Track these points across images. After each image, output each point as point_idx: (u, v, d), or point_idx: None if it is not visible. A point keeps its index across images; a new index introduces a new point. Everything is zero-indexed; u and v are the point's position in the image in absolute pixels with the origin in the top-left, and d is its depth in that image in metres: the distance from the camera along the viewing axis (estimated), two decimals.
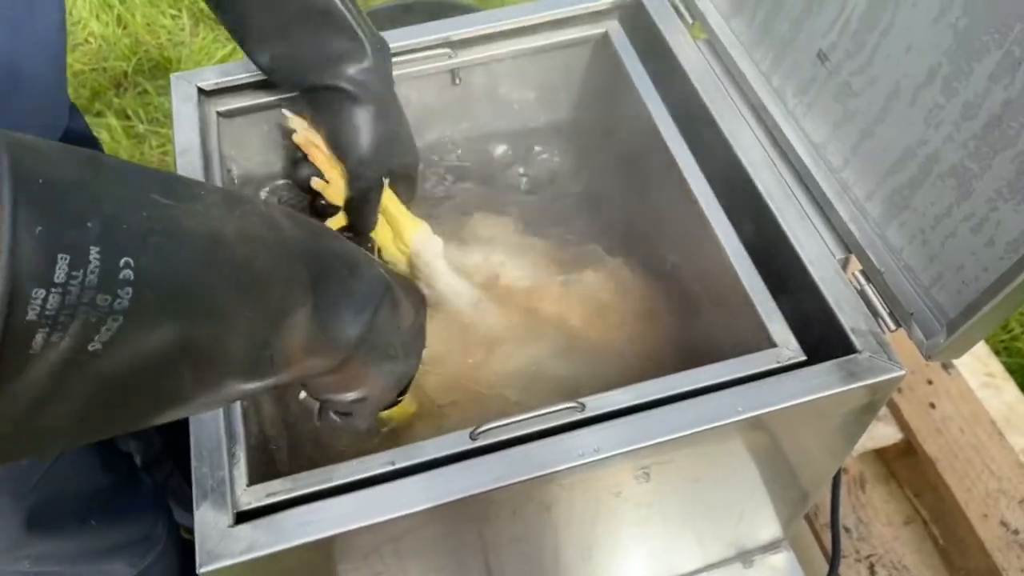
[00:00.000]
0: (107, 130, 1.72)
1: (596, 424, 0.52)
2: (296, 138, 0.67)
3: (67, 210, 0.27)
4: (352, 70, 0.63)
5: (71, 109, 0.70)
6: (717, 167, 0.65)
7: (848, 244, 0.59)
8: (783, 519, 0.73)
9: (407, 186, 0.70)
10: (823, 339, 0.56)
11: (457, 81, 0.77)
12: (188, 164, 0.65)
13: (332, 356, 0.41)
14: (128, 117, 1.75)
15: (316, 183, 0.67)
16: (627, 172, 0.76)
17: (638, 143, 0.72)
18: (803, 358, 0.55)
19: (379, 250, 0.70)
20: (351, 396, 0.46)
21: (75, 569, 0.73)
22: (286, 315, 0.37)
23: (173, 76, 0.70)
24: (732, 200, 0.63)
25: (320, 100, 0.64)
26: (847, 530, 1.03)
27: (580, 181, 0.78)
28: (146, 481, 0.81)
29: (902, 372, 0.52)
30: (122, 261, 0.28)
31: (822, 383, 0.52)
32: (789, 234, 0.59)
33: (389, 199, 0.67)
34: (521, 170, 0.81)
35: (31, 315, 0.25)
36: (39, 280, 0.25)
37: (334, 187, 0.66)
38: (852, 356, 0.54)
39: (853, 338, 0.54)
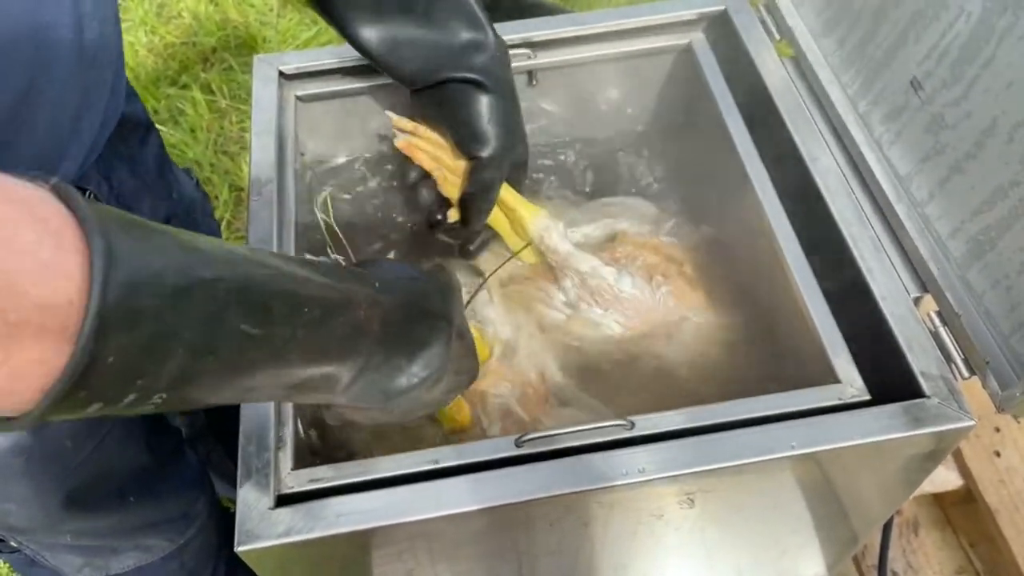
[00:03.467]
0: (191, 103, 1.76)
1: (645, 444, 0.51)
2: (399, 143, 0.66)
3: (119, 379, 0.30)
4: (481, 59, 0.60)
5: (132, 93, 0.72)
6: (793, 190, 0.63)
7: (925, 283, 0.57)
8: (828, 558, 0.71)
9: (520, 175, 0.68)
10: (890, 379, 0.54)
11: (534, 82, 0.76)
12: (263, 146, 0.66)
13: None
14: (212, 92, 1.80)
15: (436, 176, 0.66)
16: (699, 187, 0.74)
17: (713, 159, 0.70)
18: (867, 397, 0.52)
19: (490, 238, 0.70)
20: (342, 413, 0.47)
21: (114, 544, 0.75)
22: (311, 395, 0.41)
23: (256, 58, 0.72)
24: (806, 226, 0.61)
25: (446, 93, 0.61)
26: (895, 574, 1.00)
27: (649, 192, 0.77)
28: (190, 459, 0.81)
29: (972, 423, 0.50)
30: (156, 399, 0.32)
31: (885, 426, 0.50)
32: (863, 266, 0.57)
33: (505, 188, 0.66)
34: (590, 176, 0.80)
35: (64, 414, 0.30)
36: (68, 412, 0.29)
37: (448, 184, 0.65)
38: (919, 400, 0.51)
39: (922, 382, 0.52)
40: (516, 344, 0.65)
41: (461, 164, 0.64)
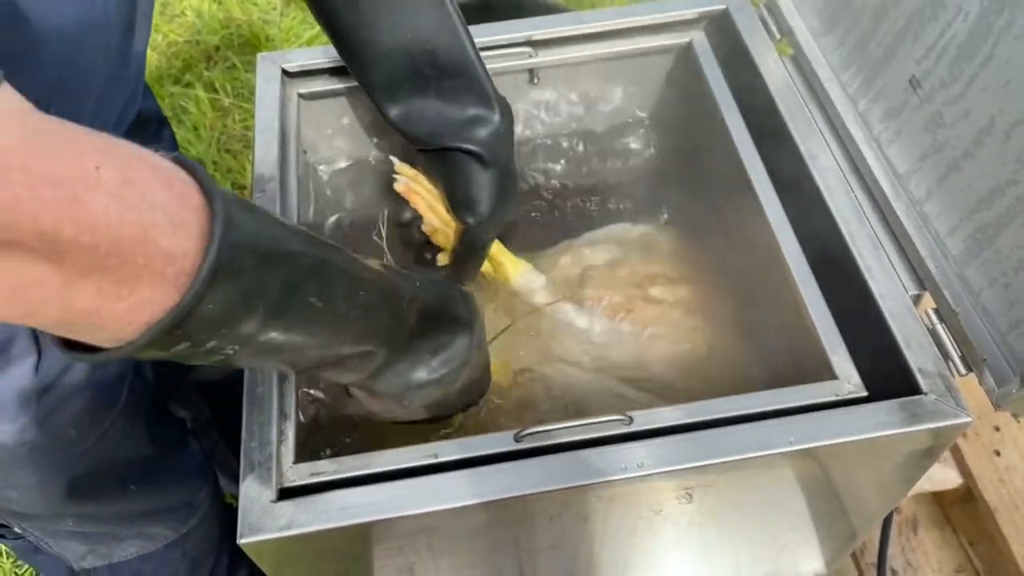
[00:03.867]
0: (194, 101, 1.77)
1: (643, 439, 0.51)
2: (398, 187, 0.68)
3: (211, 325, 0.35)
4: (483, 133, 0.63)
5: (146, 88, 0.73)
6: (792, 188, 0.63)
7: (923, 280, 0.57)
8: (827, 555, 0.71)
9: (509, 234, 0.72)
10: (887, 376, 0.54)
11: (535, 80, 0.77)
12: (266, 143, 0.66)
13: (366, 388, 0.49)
14: (216, 90, 1.80)
15: (426, 227, 0.69)
16: (699, 185, 0.75)
17: (713, 157, 0.70)
18: (864, 394, 0.53)
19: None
20: (357, 392, 0.51)
21: (117, 530, 0.75)
22: (350, 372, 0.46)
23: (260, 56, 0.72)
24: (805, 224, 0.61)
25: (447, 159, 0.65)
26: (894, 572, 1.00)
27: (649, 189, 0.77)
28: (193, 449, 0.82)
29: (968, 419, 0.50)
30: (229, 348, 0.37)
31: (882, 422, 0.51)
32: (861, 264, 0.58)
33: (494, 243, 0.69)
34: (590, 173, 0.81)
35: (146, 355, 0.35)
36: (159, 347, 0.34)
37: (440, 234, 0.68)
38: (916, 397, 0.52)
39: (919, 379, 0.52)
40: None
41: (452, 222, 0.67)
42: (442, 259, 0.69)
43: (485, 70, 0.64)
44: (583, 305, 0.69)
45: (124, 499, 0.72)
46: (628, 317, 0.68)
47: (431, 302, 0.49)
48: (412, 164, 0.70)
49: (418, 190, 0.68)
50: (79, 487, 0.67)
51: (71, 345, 0.35)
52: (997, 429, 1.07)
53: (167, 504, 0.77)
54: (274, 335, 0.38)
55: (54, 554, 0.77)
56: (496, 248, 0.69)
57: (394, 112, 0.64)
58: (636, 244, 0.72)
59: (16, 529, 0.73)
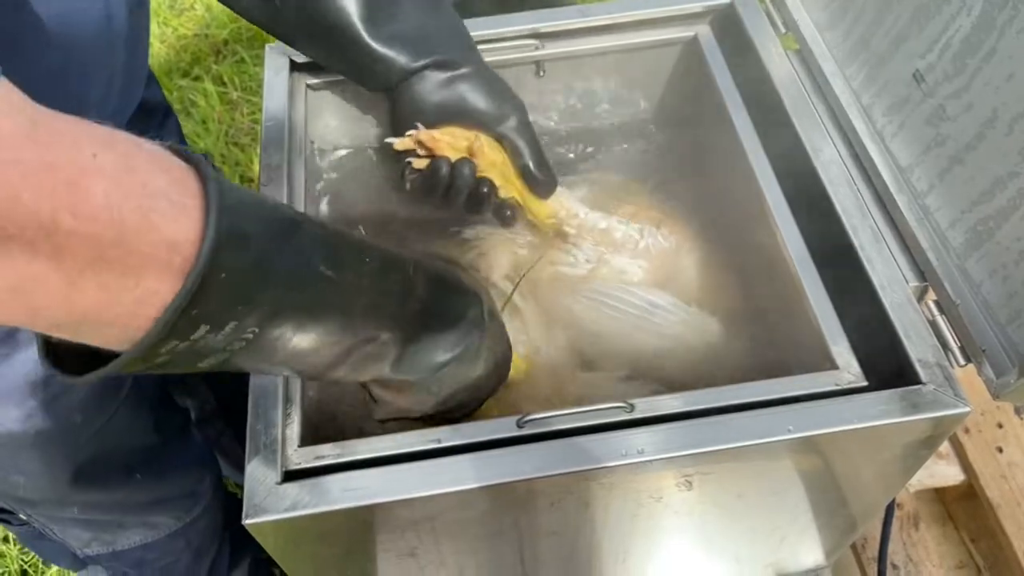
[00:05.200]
0: (203, 95, 1.78)
1: (644, 426, 0.52)
2: (421, 135, 0.66)
3: (231, 298, 0.34)
4: (452, 46, 0.64)
5: (152, 78, 0.73)
6: (795, 181, 0.64)
7: (924, 272, 0.57)
8: (826, 547, 0.72)
9: (525, 139, 0.68)
10: (887, 366, 0.55)
11: (541, 73, 0.77)
12: (273, 132, 0.67)
13: (389, 380, 0.48)
14: (224, 84, 1.81)
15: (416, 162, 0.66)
16: (704, 178, 0.75)
17: (718, 150, 0.71)
18: (864, 383, 0.53)
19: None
20: (383, 395, 0.51)
21: (122, 519, 0.76)
22: (370, 361, 0.45)
23: (268, 47, 0.73)
24: (808, 216, 0.62)
25: (428, 85, 0.65)
26: (895, 567, 1.00)
27: (655, 181, 0.78)
28: (196, 438, 0.83)
29: (967, 409, 0.51)
30: (250, 330, 0.36)
31: (881, 411, 0.51)
32: (862, 256, 0.58)
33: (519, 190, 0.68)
34: (596, 165, 0.81)
35: (161, 356, 0.34)
36: (178, 335, 0.33)
37: (476, 146, 0.66)
38: (916, 387, 0.52)
39: (919, 369, 0.53)
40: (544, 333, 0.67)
41: (473, 138, 0.65)
42: (507, 193, 0.67)
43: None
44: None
45: (129, 487, 0.72)
46: (671, 233, 0.70)
47: (436, 273, 0.49)
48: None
49: (434, 135, 0.65)
50: (85, 473, 0.68)
51: (85, 365, 0.34)
52: (1000, 426, 1.07)
53: (171, 493, 0.78)
54: (291, 315, 0.37)
55: (59, 541, 0.77)
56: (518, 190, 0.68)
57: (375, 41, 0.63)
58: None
59: (21, 515, 0.74)
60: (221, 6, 2.07)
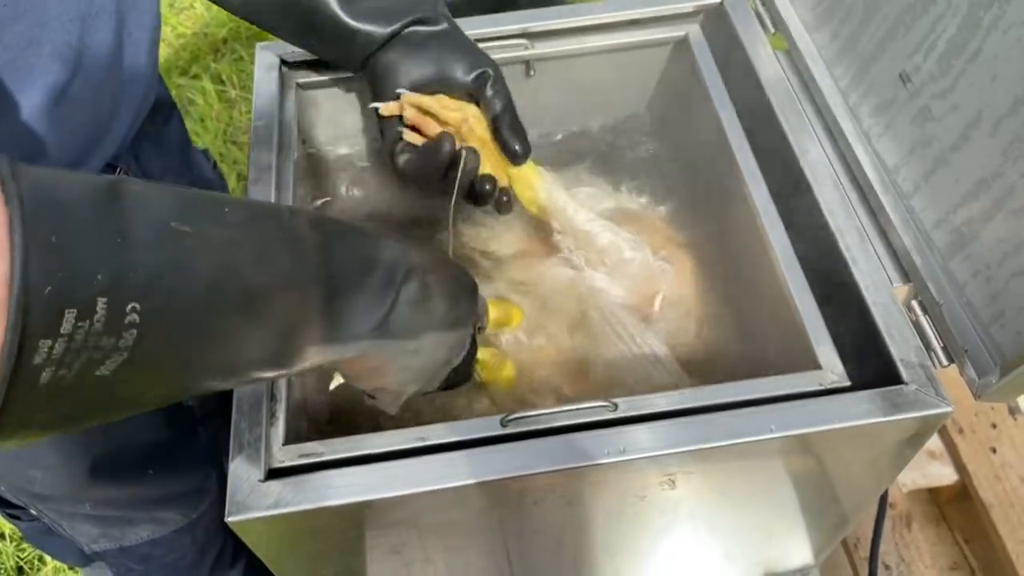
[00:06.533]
0: (201, 93, 1.78)
1: (627, 425, 0.52)
2: (409, 115, 0.65)
3: (77, 264, 0.29)
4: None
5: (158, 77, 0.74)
6: (782, 182, 0.64)
7: (908, 273, 0.57)
8: (815, 546, 0.72)
9: (499, 95, 0.67)
10: (870, 367, 0.55)
11: (531, 73, 0.78)
12: (263, 132, 0.67)
13: (344, 352, 0.43)
14: (222, 82, 1.82)
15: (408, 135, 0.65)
16: (693, 177, 0.75)
17: (706, 150, 0.71)
18: (847, 384, 0.53)
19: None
20: (369, 385, 0.49)
21: (132, 515, 0.77)
22: (296, 327, 0.40)
23: (258, 45, 0.73)
24: (794, 216, 0.62)
25: (410, 46, 0.64)
26: (887, 567, 1.00)
27: (644, 181, 0.78)
28: (201, 435, 0.84)
29: (948, 409, 0.51)
30: (128, 307, 0.30)
31: (863, 411, 0.51)
32: (847, 256, 0.58)
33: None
34: (586, 166, 0.81)
35: (38, 360, 0.28)
36: (47, 332, 0.28)
37: (466, 128, 0.65)
38: (898, 387, 0.52)
39: (901, 369, 0.53)
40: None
41: (463, 109, 0.65)
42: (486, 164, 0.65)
43: None
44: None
45: (142, 482, 0.73)
46: (666, 257, 0.68)
47: (319, 214, 0.45)
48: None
49: (423, 106, 0.65)
50: (100, 469, 0.69)
51: None
52: (994, 426, 1.07)
53: (180, 489, 0.78)
54: (167, 277, 0.32)
55: (67, 537, 0.78)
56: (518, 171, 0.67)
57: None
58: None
59: (32, 511, 0.74)
60: None
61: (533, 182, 0.67)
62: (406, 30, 0.64)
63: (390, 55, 0.64)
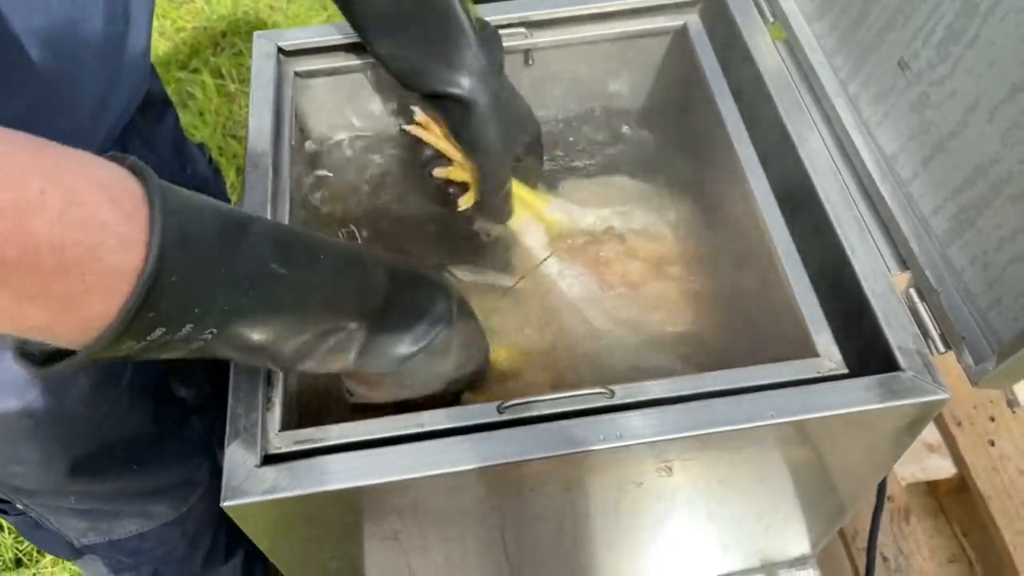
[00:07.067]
0: (200, 87, 1.78)
1: (624, 411, 0.52)
2: (412, 129, 0.69)
3: (183, 300, 0.36)
4: (466, 78, 0.63)
5: (152, 69, 0.73)
6: (781, 170, 0.64)
7: (907, 260, 0.57)
8: (812, 536, 0.72)
9: (535, 158, 0.71)
10: (868, 353, 0.55)
11: (530, 62, 0.77)
12: (260, 120, 0.67)
13: (361, 370, 0.49)
14: (222, 76, 1.82)
15: (438, 172, 0.69)
16: (692, 167, 0.75)
17: (705, 139, 0.71)
18: (845, 371, 0.53)
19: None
20: (357, 390, 0.52)
21: (119, 509, 0.76)
22: (335, 352, 0.46)
23: (256, 34, 0.73)
24: (792, 205, 0.62)
25: (439, 105, 0.65)
26: (885, 559, 1.00)
27: (644, 171, 0.78)
28: (195, 427, 0.83)
29: (945, 395, 0.51)
30: (207, 332, 0.38)
31: (860, 398, 0.51)
32: (845, 244, 0.58)
33: (516, 185, 0.69)
34: (585, 154, 0.81)
35: (122, 351, 0.36)
36: (134, 337, 0.35)
37: (458, 169, 0.68)
38: (895, 374, 0.52)
39: (898, 356, 0.53)
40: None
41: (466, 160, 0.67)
42: (465, 201, 0.69)
43: (469, 15, 0.63)
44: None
45: (126, 476, 0.72)
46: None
47: (398, 266, 0.49)
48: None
49: (427, 129, 0.68)
50: (82, 464, 0.68)
51: (51, 356, 0.36)
52: (992, 419, 1.07)
53: (168, 482, 0.78)
54: (246, 313, 0.39)
55: (55, 530, 0.77)
56: (516, 187, 0.69)
57: (382, 51, 0.65)
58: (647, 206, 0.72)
59: (18, 505, 0.74)
60: None
61: (543, 213, 0.70)
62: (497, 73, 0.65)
63: (493, 96, 0.65)
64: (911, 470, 1.06)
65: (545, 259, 0.69)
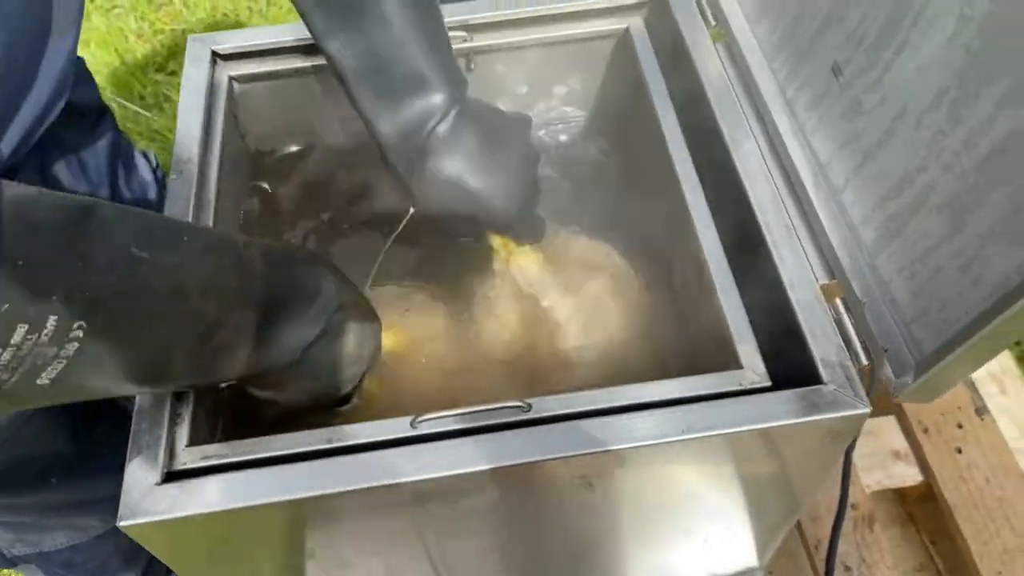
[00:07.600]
0: (177, 89, 1.77)
1: (540, 425, 0.51)
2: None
3: (37, 286, 0.32)
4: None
5: (86, 80, 0.71)
6: (715, 175, 0.63)
7: (834, 270, 0.56)
8: (757, 548, 0.70)
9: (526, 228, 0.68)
10: (792, 366, 0.53)
11: (472, 67, 0.76)
12: (188, 125, 0.66)
13: (266, 370, 0.48)
14: None
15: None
16: (630, 171, 0.74)
17: (643, 143, 0.69)
18: (768, 384, 0.52)
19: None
20: (262, 393, 0.51)
21: (44, 521, 0.74)
22: (232, 346, 0.44)
23: (190, 37, 0.71)
24: (724, 211, 0.60)
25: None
26: (847, 568, 0.99)
27: (585, 174, 0.77)
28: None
29: (867, 410, 0.49)
30: (76, 325, 0.34)
31: (779, 411, 0.50)
32: (774, 252, 0.57)
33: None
34: None
35: None
36: None
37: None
38: (816, 387, 0.51)
39: (821, 368, 0.51)
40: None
41: None
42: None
43: (442, 65, 0.60)
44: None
45: (44, 491, 0.71)
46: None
47: (272, 246, 0.47)
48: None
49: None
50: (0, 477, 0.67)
51: None
52: (960, 426, 1.06)
53: (96, 495, 0.75)
54: (114, 298, 0.36)
55: None
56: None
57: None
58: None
59: None
60: (199, 1, 2.04)
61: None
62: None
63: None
64: (877, 477, 1.05)
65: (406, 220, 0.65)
